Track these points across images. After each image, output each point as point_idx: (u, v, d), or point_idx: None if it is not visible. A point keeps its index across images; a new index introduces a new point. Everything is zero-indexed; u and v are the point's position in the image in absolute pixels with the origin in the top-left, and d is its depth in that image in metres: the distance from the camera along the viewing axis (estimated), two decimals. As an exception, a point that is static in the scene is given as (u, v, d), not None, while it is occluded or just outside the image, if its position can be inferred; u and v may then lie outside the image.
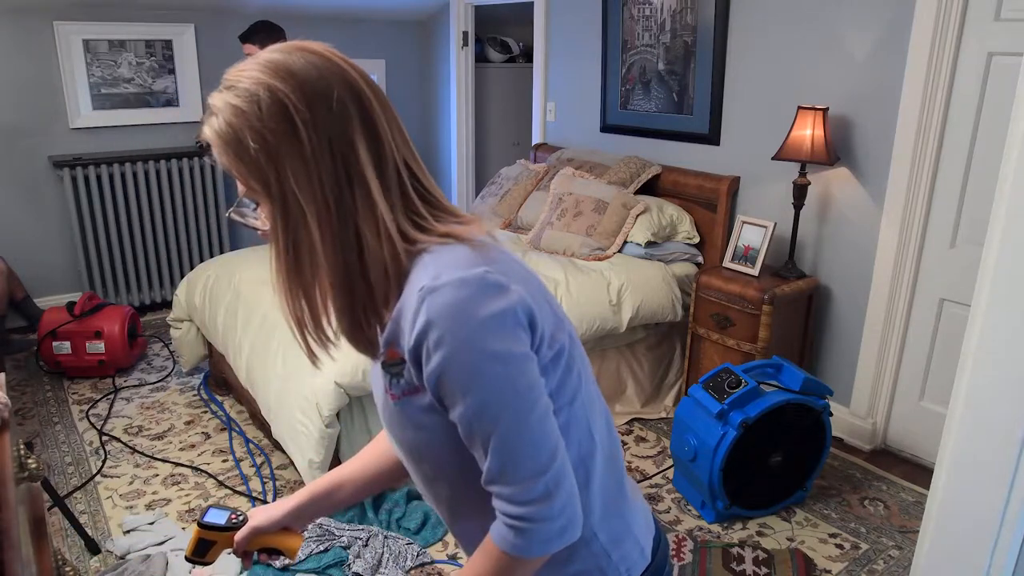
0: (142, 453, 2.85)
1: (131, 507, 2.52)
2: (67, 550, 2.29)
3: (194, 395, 3.35)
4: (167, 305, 4.40)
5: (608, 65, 3.84)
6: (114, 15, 4.07)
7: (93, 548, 2.27)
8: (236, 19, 4.25)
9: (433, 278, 0.77)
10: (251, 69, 0.79)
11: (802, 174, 2.83)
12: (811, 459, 2.52)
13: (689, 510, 2.54)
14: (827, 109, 2.75)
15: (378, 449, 1.10)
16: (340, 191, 0.80)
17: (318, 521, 2.36)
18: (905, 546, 2.35)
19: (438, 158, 5.43)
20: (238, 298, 2.91)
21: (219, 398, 3.30)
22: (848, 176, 2.87)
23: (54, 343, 3.37)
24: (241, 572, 2.18)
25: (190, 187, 4.33)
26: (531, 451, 0.78)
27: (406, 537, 2.34)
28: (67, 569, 1.45)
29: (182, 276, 4.40)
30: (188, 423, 3.10)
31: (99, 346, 3.40)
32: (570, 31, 4.09)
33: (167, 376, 3.54)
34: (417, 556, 2.26)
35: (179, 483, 2.66)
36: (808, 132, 2.74)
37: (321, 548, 2.25)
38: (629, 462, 2.84)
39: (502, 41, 5.61)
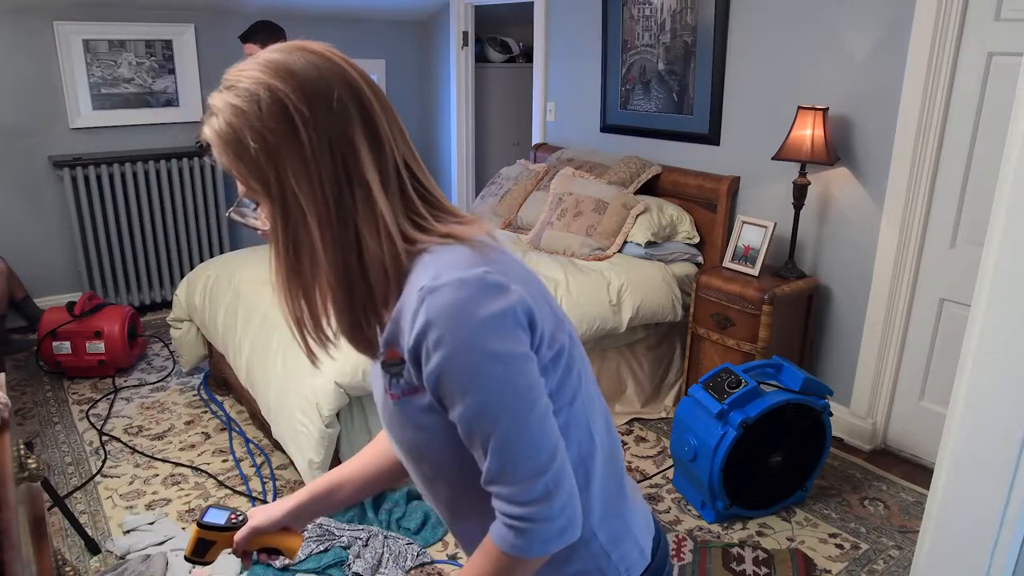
0: (142, 453, 2.85)
1: (131, 507, 2.52)
2: (67, 550, 2.29)
3: (194, 395, 3.35)
4: (167, 305, 4.40)
5: (608, 65, 3.84)
6: (114, 15, 4.07)
7: (93, 548, 2.27)
8: (236, 19, 4.25)
9: (433, 278, 0.77)
10: (251, 69, 0.79)
11: (802, 174, 2.83)
12: (811, 459, 2.52)
13: (689, 510, 2.54)
14: (827, 109, 2.75)
15: (378, 449, 1.10)
16: (340, 191, 0.80)
17: (318, 521, 2.36)
18: (905, 546, 2.35)
19: (438, 158, 5.43)
20: (238, 298, 2.91)
21: (219, 398, 3.30)
22: (848, 176, 2.87)
23: (54, 343, 3.37)
24: (241, 572, 2.18)
25: (190, 187, 4.33)
26: (531, 451, 0.78)
27: (406, 537, 2.34)
28: (67, 569, 1.45)
29: (182, 276, 4.40)
30: (188, 423, 3.10)
31: (99, 346, 3.40)
32: (570, 31, 4.09)
33: (167, 376, 3.54)
34: (417, 556, 2.26)
35: (179, 483, 2.66)
36: (808, 132, 2.74)
37: (321, 548, 2.25)
38: (629, 462, 2.84)
39: (502, 41, 5.61)
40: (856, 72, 2.78)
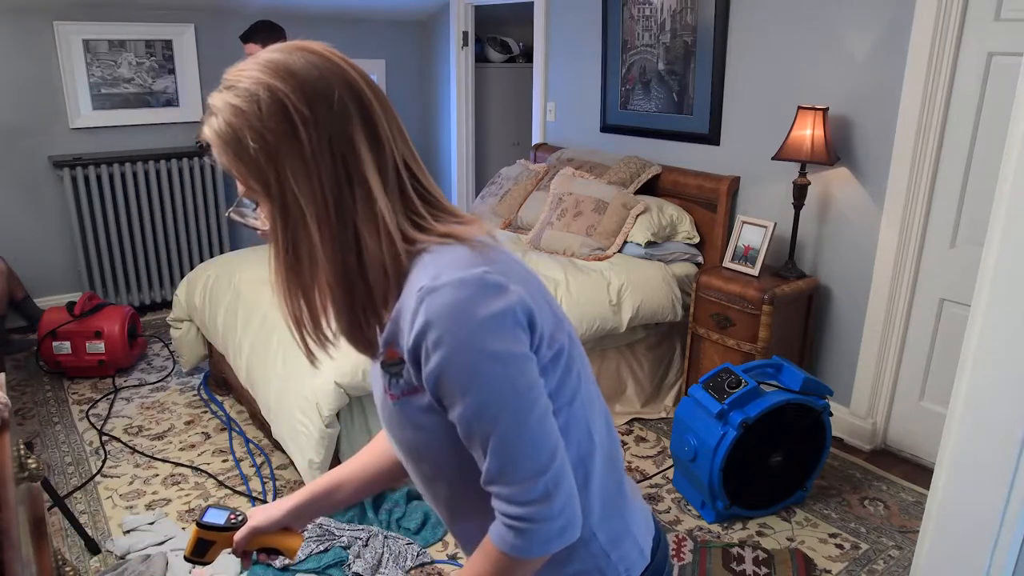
0: (142, 453, 2.85)
1: (131, 507, 2.52)
2: (67, 550, 2.29)
3: (194, 395, 3.35)
4: (167, 305, 4.40)
5: (608, 65, 3.84)
6: (114, 15, 4.07)
7: (93, 548, 2.27)
8: (236, 19, 4.25)
9: (432, 278, 0.77)
10: (251, 69, 0.79)
11: (802, 174, 2.83)
12: (811, 459, 2.52)
13: (689, 510, 2.54)
14: (827, 109, 2.75)
15: (377, 449, 1.10)
16: (340, 191, 0.80)
17: (318, 521, 2.36)
18: (905, 546, 2.35)
19: (438, 158, 5.43)
20: (238, 298, 2.91)
21: (219, 398, 3.30)
22: (848, 176, 2.87)
23: (54, 343, 3.37)
24: (241, 572, 2.18)
25: (190, 187, 4.33)
26: (530, 451, 0.78)
27: (406, 537, 2.34)
28: (67, 569, 1.45)
29: (182, 276, 4.40)
30: (188, 423, 3.10)
31: (99, 346, 3.40)
32: (570, 31, 4.09)
33: (167, 376, 3.54)
34: (417, 556, 2.26)
35: (179, 483, 2.66)
36: (808, 132, 2.74)
37: (321, 548, 2.25)
38: (629, 462, 2.84)
39: (502, 41, 5.60)
40: (856, 72, 2.78)
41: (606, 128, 3.96)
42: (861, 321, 2.91)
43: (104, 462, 2.78)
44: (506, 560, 0.81)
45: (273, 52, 0.81)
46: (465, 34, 4.92)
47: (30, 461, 1.40)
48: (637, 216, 3.27)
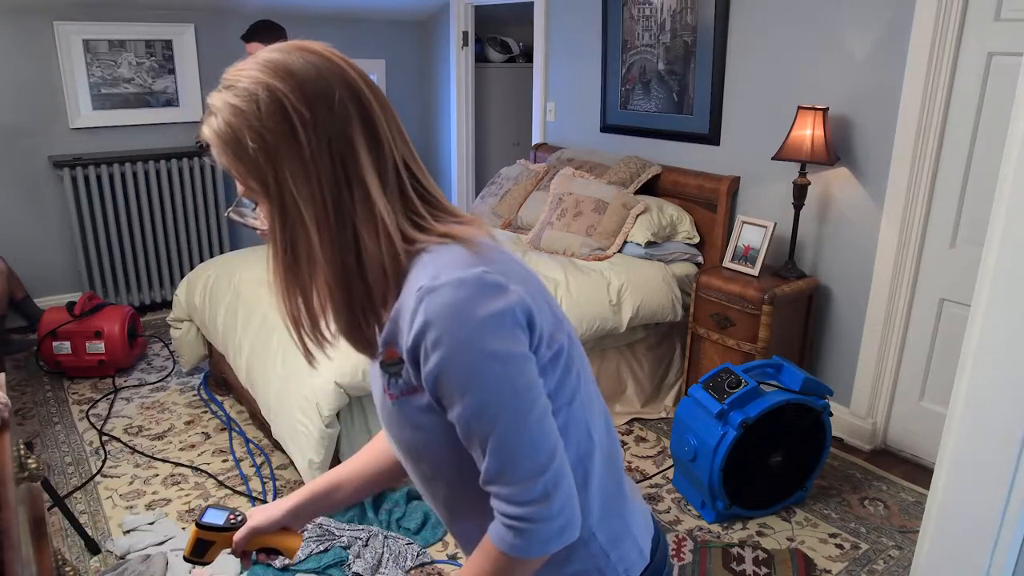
0: (142, 453, 2.85)
1: (131, 507, 2.52)
2: (67, 550, 2.29)
3: (194, 395, 3.35)
4: (167, 305, 4.40)
5: (608, 65, 3.84)
6: (114, 15, 4.07)
7: (93, 548, 2.27)
8: (236, 19, 4.25)
9: (431, 278, 0.77)
10: (250, 68, 0.79)
11: (802, 174, 2.83)
12: (811, 459, 2.51)
13: (689, 510, 2.54)
14: (827, 109, 2.75)
15: (377, 449, 1.10)
16: (339, 192, 0.80)
17: (318, 521, 2.36)
18: (905, 546, 2.35)
19: (438, 158, 5.43)
20: (238, 298, 2.91)
21: (219, 398, 3.30)
22: (848, 176, 2.87)
23: (54, 343, 3.37)
24: (240, 572, 2.18)
25: (190, 187, 4.33)
26: (530, 451, 0.78)
27: (406, 537, 2.34)
28: (67, 569, 1.45)
29: (182, 276, 4.40)
30: (188, 423, 3.10)
31: (99, 346, 3.40)
32: (570, 31, 4.09)
33: (167, 376, 3.54)
34: (417, 556, 2.26)
35: (179, 483, 2.66)
36: (808, 132, 2.74)
37: (321, 548, 2.25)
38: (629, 462, 2.84)
39: (502, 41, 5.60)
40: (856, 72, 2.78)
41: (606, 128, 3.96)
42: (861, 321, 2.91)
43: (104, 462, 2.78)
44: (505, 560, 0.81)
45: (272, 52, 0.81)
46: (465, 34, 4.92)
47: (30, 461, 1.40)
48: (637, 216, 3.27)
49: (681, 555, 2.29)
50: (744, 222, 3.05)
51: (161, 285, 4.39)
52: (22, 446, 1.45)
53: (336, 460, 2.43)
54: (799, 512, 2.53)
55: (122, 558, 2.25)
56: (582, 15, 3.96)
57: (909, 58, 2.59)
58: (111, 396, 3.31)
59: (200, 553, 1.10)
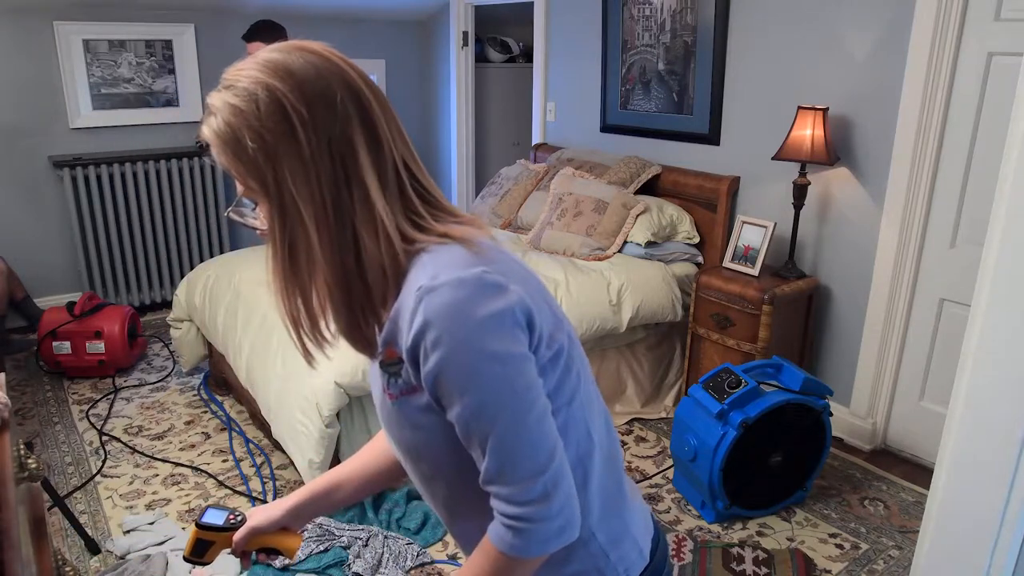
0: (142, 453, 2.85)
1: (131, 507, 2.52)
2: (67, 550, 2.29)
3: (194, 395, 3.35)
4: (167, 305, 4.40)
5: (608, 65, 3.84)
6: (114, 15, 4.07)
7: (93, 548, 2.27)
8: (236, 19, 4.25)
9: (431, 278, 0.77)
10: (250, 68, 0.79)
11: (802, 174, 2.83)
12: (811, 459, 2.51)
13: (689, 510, 2.54)
14: (827, 109, 2.75)
15: (377, 448, 1.10)
16: (338, 192, 0.80)
17: (318, 521, 2.36)
18: (905, 546, 2.35)
19: (438, 158, 5.43)
20: (238, 298, 2.91)
21: (219, 398, 3.30)
22: (848, 176, 2.87)
23: (54, 343, 3.37)
24: (240, 572, 2.18)
25: (190, 187, 4.33)
26: (529, 451, 0.78)
27: (406, 537, 2.34)
28: (67, 569, 1.45)
29: (182, 276, 4.40)
30: (188, 423, 3.10)
31: (99, 346, 3.40)
32: (570, 31, 4.09)
33: (167, 376, 3.54)
34: (417, 556, 2.26)
35: (179, 483, 2.66)
36: (808, 132, 2.74)
37: (321, 548, 2.25)
38: (629, 462, 2.84)
39: (502, 41, 5.60)
40: (856, 72, 2.78)
41: (606, 128, 3.96)
42: (861, 321, 2.91)
43: (104, 462, 2.78)
44: (505, 560, 0.81)
45: (272, 51, 0.81)
46: (465, 34, 4.92)
47: (30, 461, 1.40)
48: (637, 216, 3.27)
49: (681, 555, 2.29)
50: (744, 222, 3.05)
51: (161, 285, 4.39)
52: (22, 446, 1.45)
53: (336, 460, 2.43)
54: (799, 512, 2.53)
55: (122, 558, 2.25)
56: (582, 15, 3.96)
57: (909, 58, 2.59)
58: (111, 396, 3.31)
59: (200, 553, 1.10)
